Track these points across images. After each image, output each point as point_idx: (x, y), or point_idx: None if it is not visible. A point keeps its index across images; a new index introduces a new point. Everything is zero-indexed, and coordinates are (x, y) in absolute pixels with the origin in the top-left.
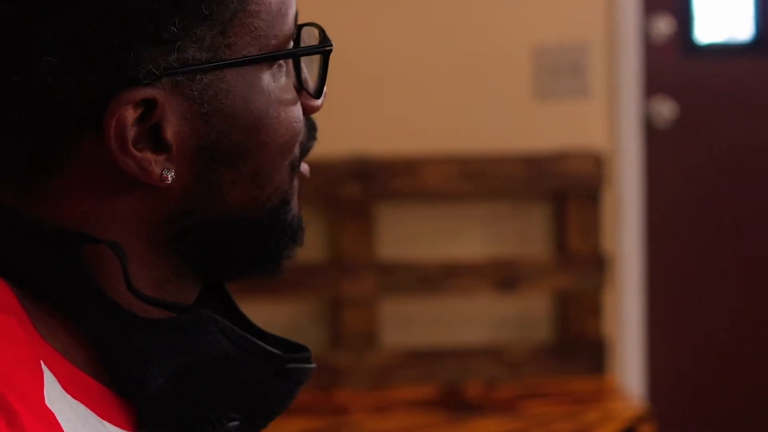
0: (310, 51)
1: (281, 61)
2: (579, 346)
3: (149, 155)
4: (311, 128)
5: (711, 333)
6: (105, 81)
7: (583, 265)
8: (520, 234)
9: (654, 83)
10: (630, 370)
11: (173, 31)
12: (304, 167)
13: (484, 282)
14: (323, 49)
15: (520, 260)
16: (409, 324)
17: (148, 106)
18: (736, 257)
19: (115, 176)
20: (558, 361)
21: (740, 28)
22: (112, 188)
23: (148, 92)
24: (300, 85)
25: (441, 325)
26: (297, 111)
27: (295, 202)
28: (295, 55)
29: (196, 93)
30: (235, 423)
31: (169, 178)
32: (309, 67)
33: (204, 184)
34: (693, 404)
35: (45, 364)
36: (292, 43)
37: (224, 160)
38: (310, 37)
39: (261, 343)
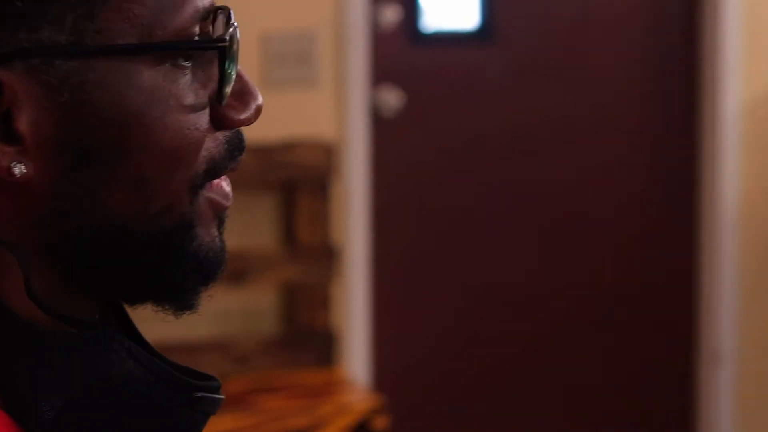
0: (192, 45)
1: (184, 61)
2: (308, 339)
3: None
4: (233, 147)
5: (438, 323)
6: None
7: (312, 257)
8: (248, 226)
9: (381, 72)
10: (358, 361)
11: (19, 6)
12: (222, 192)
13: None
14: (214, 45)
15: (247, 252)
16: (133, 319)
17: None
18: (463, 246)
19: None
20: (287, 354)
21: (466, 17)
22: None
23: None
24: (220, 92)
25: (166, 320)
26: (197, 118)
27: (207, 231)
28: (175, 47)
29: (54, 80)
30: None
31: (17, 172)
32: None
33: (73, 184)
34: (422, 394)
35: None
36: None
37: (93, 158)
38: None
39: (170, 368)
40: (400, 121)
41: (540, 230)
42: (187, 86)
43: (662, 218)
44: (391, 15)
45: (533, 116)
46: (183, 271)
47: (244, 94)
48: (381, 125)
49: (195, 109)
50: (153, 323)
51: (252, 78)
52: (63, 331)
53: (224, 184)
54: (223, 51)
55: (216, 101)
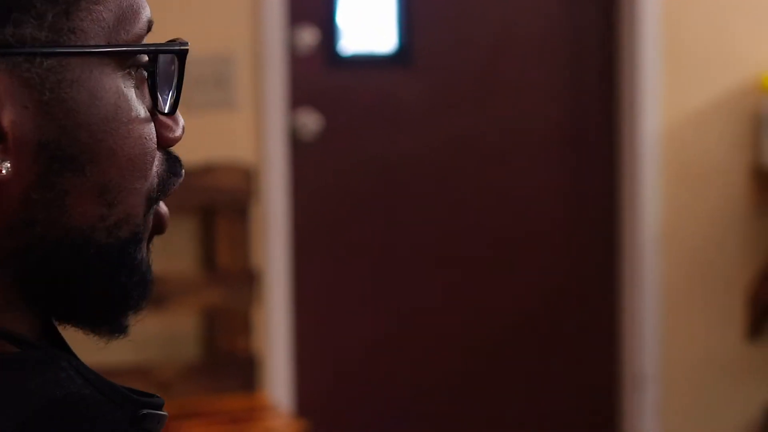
0: (162, 48)
1: (130, 70)
2: (229, 364)
3: None
4: (172, 163)
5: (360, 346)
6: None
7: (232, 281)
8: (167, 250)
9: (299, 95)
10: (280, 386)
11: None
12: (164, 209)
13: None
14: (178, 48)
15: (167, 277)
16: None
17: None
18: (384, 269)
19: None
20: (209, 380)
21: (384, 41)
22: None
23: None
24: (153, 105)
25: (85, 345)
26: (148, 128)
27: (146, 247)
28: (147, 51)
29: (36, 78)
30: None
31: (4, 170)
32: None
33: (47, 189)
34: (345, 418)
35: None
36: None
37: (68, 161)
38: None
39: (117, 385)
40: (318, 144)
41: (461, 253)
42: (137, 96)
43: (583, 242)
44: (308, 38)
45: (451, 139)
46: (130, 285)
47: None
48: (300, 148)
49: (147, 120)
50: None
51: None
52: (8, 352)
53: (162, 204)
54: (185, 55)
55: (159, 113)
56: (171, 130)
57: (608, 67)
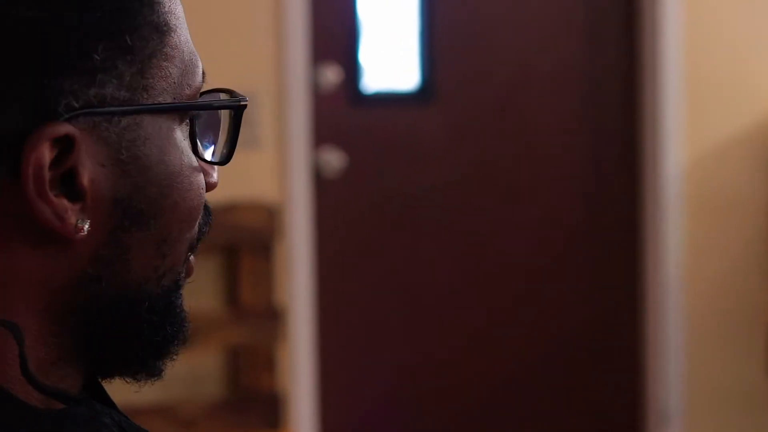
0: (227, 104)
1: (188, 122)
2: (253, 401)
3: (65, 202)
4: (207, 211)
5: (384, 383)
6: (25, 111)
7: (255, 318)
8: (191, 288)
9: (322, 133)
10: (305, 423)
11: (96, 60)
12: (192, 258)
13: None
14: (239, 104)
15: (191, 315)
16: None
17: (65, 146)
18: (407, 305)
19: (19, 226)
20: (232, 417)
21: (406, 78)
22: (13, 240)
23: (68, 128)
24: (193, 151)
25: (108, 384)
26: (201, 178)
27: (181, 293)
28: (211, 107)
29: (114, 136)
30: None
31: (85, 230)
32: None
33: (115, 246)
34: None
35: None
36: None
37: (137, 218)
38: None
39: None
40: (342, 181)
41: (483, 288)
42: (188, 147)
43: (606, 276)
44: (331, 76)
45: (473, 174)
46: (173, 332)
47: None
48: (323, 185)
49: (200, 170)
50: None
51: None
52: (55, 409)
53: None
54: (242, 109)
55: (222, 160)
56: (211, 176)
57: (629, 101)
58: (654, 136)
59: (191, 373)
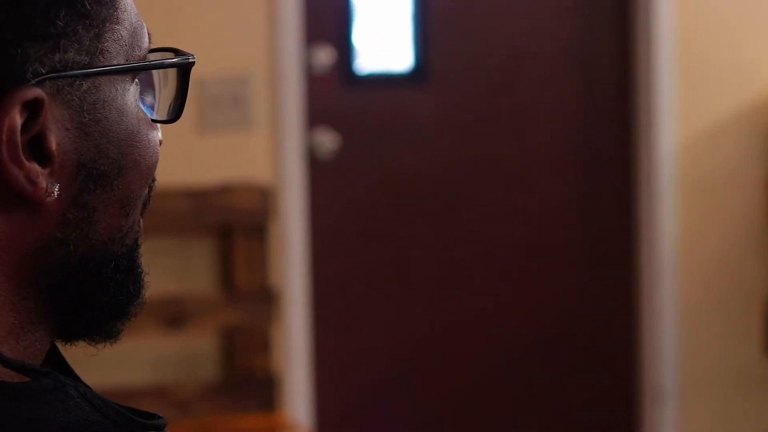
0: (178, 62)
1: (139, 81)
2: (248, 383)
3: (37, 167)
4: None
5: (379, 365)
6: None
7: (250, 300)
8: (185, 270)
9: (316, 114)
10: (300, 405)
11: (59, 26)
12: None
13: (149, 320)
14: (188, 61)
15: (185, 297)
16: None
17: (33, 111)
18: (402, 287)
19: None
20: (228, 399)
21: (400, 59)
22: None
23: (37, 92)
24: (178, 110)
25: (104, 366)
26: (156, 134)
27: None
28: (163, 65)
29: (77, 100)
30: None
31: (55, 194)
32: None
33: (80, 208)
34: None
35: None
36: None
37: (101, 179)
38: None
39: (122, 410)
40: (335, 163)
41: (478, 270)
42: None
43: (601, 258)
44: (324, 57)
45: (467, 156)
46: (135, 290)
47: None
48: (317, 167)
49: (155, 126)
50: (88, 369)
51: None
52: (18, 381)
53: None
54: (191, 66)
55: (171, 117)
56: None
57: (623, 83)
58: (648, 117)
59: (186, 355)
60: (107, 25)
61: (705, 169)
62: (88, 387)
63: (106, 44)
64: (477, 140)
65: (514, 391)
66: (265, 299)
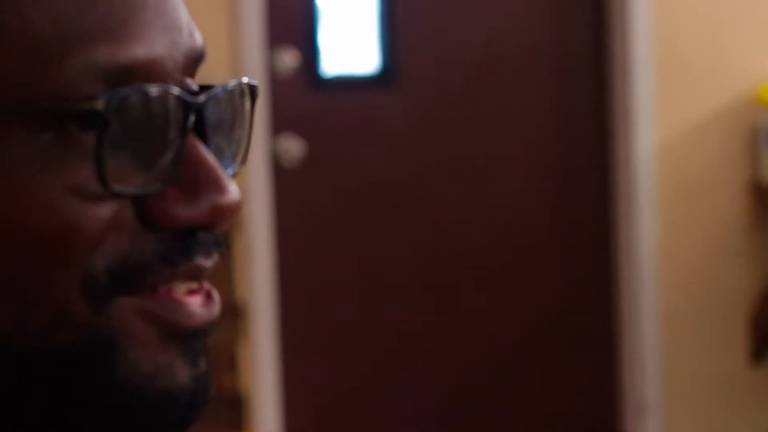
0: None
1: (72, 128)
2: (215, 402)
3: None
4: (171, 249)
5: (349, 380)
6: None
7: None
8: None
9: (281, 120)
10: (267, 423)
11: None
12: (172, 306)
13: None
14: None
15: None
16: None
17: None
18: (370, 297)
19: None
20: None
21: (366, 61)
22: None
23: None
24: (101, 174)
25: None
26: (92, 210)
27: (147, 356)
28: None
29: None
30: None
31: None
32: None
33: None
34: None
35: None
36: (98, 101)
37: None
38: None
39: None
40: (301, 170)
41: (450, 278)
42: (73, 165)
43: (579, 264)
44: (289, 60)
45: (438, 161)
46: (97, 409)
47: (198, 183)
48: (282, 175)
49: (91, 198)
50: None
51: None
52: None
53: (187, 297)
54: (93, 117)
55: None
56: (182, 205)
57: (599, 83)
58: (625, 118)
59: None
60: None
61: (685, 172)
62: None
63: None
64: (448, 144)
65: (491, 405)
66: (231, 315)
